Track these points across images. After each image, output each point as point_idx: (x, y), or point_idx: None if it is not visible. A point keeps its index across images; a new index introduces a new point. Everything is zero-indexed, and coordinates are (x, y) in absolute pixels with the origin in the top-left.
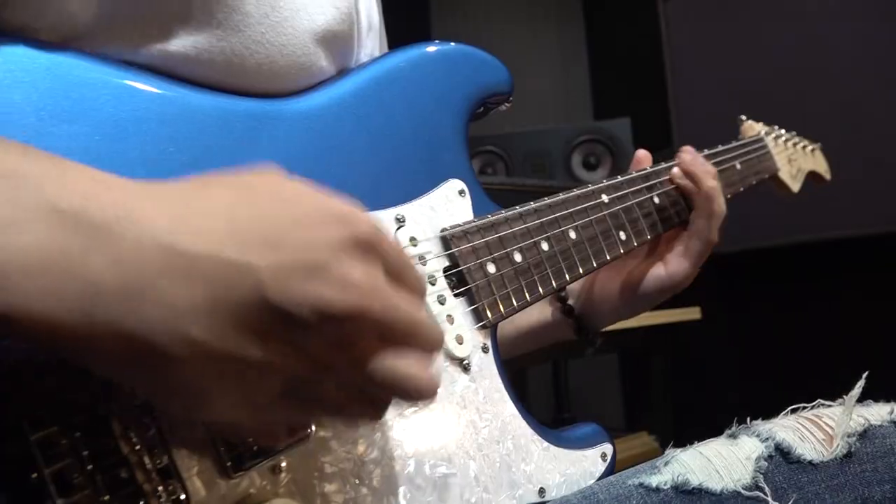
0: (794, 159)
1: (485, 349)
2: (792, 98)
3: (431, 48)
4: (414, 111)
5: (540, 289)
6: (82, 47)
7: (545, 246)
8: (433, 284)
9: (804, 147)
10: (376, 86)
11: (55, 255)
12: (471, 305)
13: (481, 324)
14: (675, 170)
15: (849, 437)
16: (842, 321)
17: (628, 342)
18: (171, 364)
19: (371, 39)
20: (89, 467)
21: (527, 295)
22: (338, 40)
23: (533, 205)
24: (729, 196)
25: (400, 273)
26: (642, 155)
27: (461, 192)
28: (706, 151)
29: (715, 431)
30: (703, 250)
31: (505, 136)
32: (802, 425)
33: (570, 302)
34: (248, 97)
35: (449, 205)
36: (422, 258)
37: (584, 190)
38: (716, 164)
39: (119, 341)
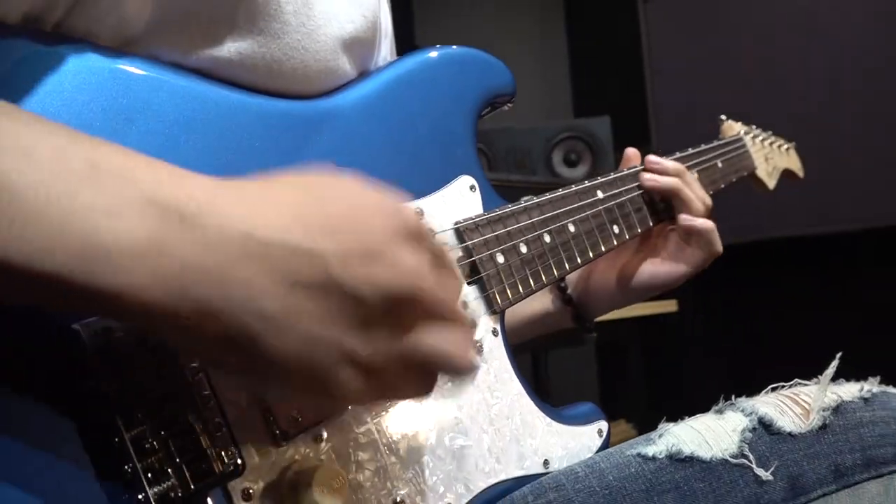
0: (771, 157)
1: (495, 333)
2: (770, 97)
3: (444, 52)
4: (429, 111)
5: (543, 277)
6: (138, 52)
7: (547, 238)
8: None
9: (780, 146)
10: (395, 87)
11: (153, 240)
12: (482, 293)
13: (492, 309)
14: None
15: (823, 411)
16: (813, 314)
17: (604, 333)
18: (252, 338)
19: (386, 45)
20: (175, 459)
21: (532, 283)
22: (363, 46)
23: (536, 199)
24: (711, 192)
25: (441, 261)
26: (631, 153)
27: (472, 188)
28: (689, 150)
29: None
30: (706, 258)
31: (486, 133)
32: (782, 401)
33: (570, 292)
34: (284, 98)
35: (462, 199)
36: None
37: (581, 186)
38: (698, 163)
39: (209, 318)
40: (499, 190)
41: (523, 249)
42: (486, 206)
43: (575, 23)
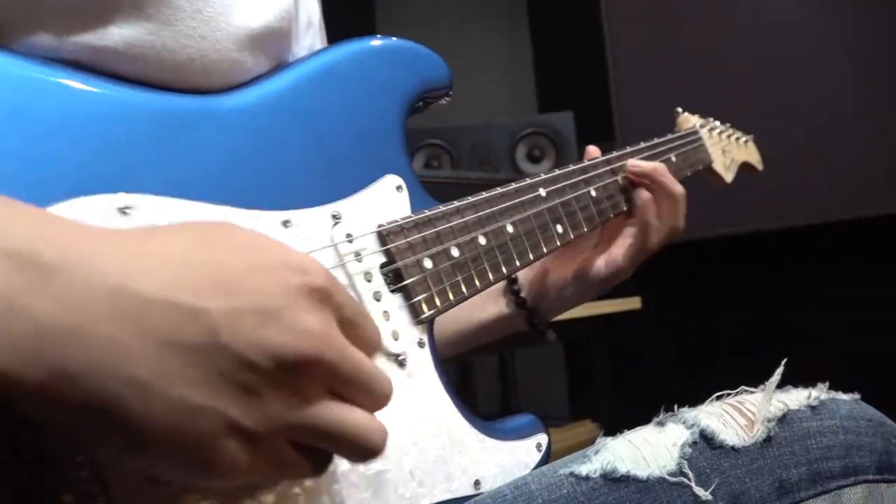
0: (728, 150)
1: (421, 344)
2: (733, 91)
3: (370, 43)
4: (351, 106)
5: (477, 283)
6: (11, 42)
7: (483, 240)
8: (369, 281)
9: (738, 139)
10: (313, 81)
11: (2, 296)
12: (407, 301)
13: (417, 319)
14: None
15: (769, 421)
16: (776, 310)
17: (571, 332)
18: (118, 407)
19: (310, 37)
20: None
21: (464, 289)
22: (274, 36)
23: (471, 199)
24: None
25: (354, 323)
26: (592, 150)
27: (399, 188)
28: (642, 144)
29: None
30: (669, 233)
31: (450, 129)
32: (726, 411)
33: (523, 294)
34: (179, 93)
35: (386, 201)
36: (357, 254)
37: (522, 184)
38: (651, 157)
39: (68, 384)
40: (460, 189)
41: (455, 253)
42: (416, 207)
43: (538, 17)
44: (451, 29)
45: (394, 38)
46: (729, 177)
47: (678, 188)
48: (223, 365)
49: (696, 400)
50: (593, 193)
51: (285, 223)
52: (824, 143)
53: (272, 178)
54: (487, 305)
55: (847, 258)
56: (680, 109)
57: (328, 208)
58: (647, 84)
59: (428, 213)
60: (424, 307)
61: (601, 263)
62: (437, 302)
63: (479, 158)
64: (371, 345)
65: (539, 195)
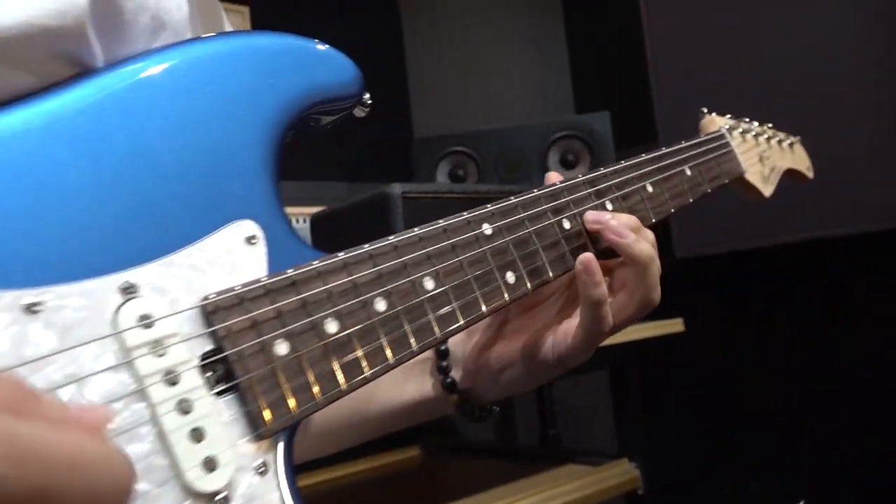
0: (768, 157)
1: (262, 470)
2: (780, 89)
3: (223, 40)
4: (179, 128)
5: (366, 369)
6: None
7: (381, 305)
8: (173, 385)
9: (780, 142)
10: (116, 97)
11: None
12: (243, 407)
13: (257, 433)
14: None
15: None
16: (847, 325)
17: (612, 359)
18: None
19: (161, 41)
20: None
21: (341, 380)
22: (61, 40)
23: (367, 248)
24: (673, 210)
25: (20, 409)
26: (553, 177)
27: (251, 240)
28: (643, 157)
29: (700, 458)
30: (639, 307)
31: (474, 135)
32: None
33: (453, 374)
34: None
35: (227, 259)
36: (158, 345)
37: (456, 220)
38: (657, 171)
39: None
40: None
41: (332, 328)
42: (279, 264)
43: (573, 14)
44: (480, 29)
45: (267, 34)
46: (768, 189)
47: (643, 250)
48: None
49: (751, 438)
50: (566, 225)
51: (29, 308)
52: (878, 142)
53: (32, 234)
54: (404, 383)
55: None
56: (705, 110)
57: (116, 279)
58: (689, 80)
59: (291, 272)
60: (268, 414)
61: (549, 341)
62: (292, 405)
63: (508, 165)
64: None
65: (481, 233)
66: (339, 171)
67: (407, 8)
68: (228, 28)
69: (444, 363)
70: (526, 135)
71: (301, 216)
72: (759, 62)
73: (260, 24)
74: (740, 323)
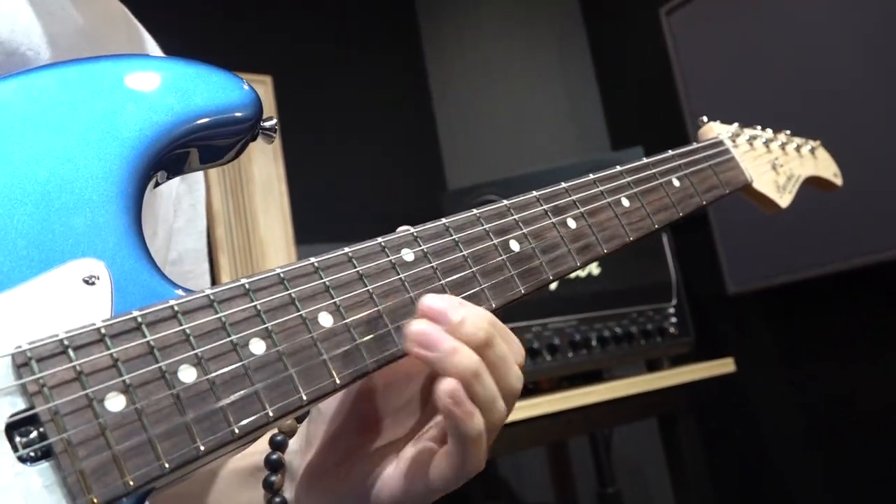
0: (783, 164)
1: None
2: (822, 112)
3: (84, 65)
4: (25, 160)
5: (231, 425)
6: None
7: (259, 348)
8: None
9: (798, 148)
10: None
11: None
12: (60, 474)
13: None
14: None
15: None
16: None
17: (660, 405)
18: None
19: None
20: None
21: (198, 444)
22: None
23: (244, 283)
24: (658, 226)
25: None
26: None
27: (89, 280)
28: (618, 168)
29: None
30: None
31: (504, 182)
32: None
33: (286, 493)
34: None
35: (56, 304)
36: None
37: (366, 245)
38: (638, 182)
39: None
40: None
41: (186, 378)
42: (127, 305)
43: (599, 50)
44: (508, 70)
45: (139, 57)
46: (784, 199)
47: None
48: None
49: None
50: (515, 247)
51: None
52: None
53: None
54: (237, 492)
55: None
56: (704, 118)
57: None
58: (723, 106)
59: (138, 312)
60: (92, 484)
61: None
62: (126, 470)
63: None
64: None
65: (400, 259)
66: (375, 228)
67: (434, 63)
68: (155, 52)
69: (273, 478)
70: (558, 177)
71: None
72: (796, 85)
73: (283, 93)
74: (795, 357)
